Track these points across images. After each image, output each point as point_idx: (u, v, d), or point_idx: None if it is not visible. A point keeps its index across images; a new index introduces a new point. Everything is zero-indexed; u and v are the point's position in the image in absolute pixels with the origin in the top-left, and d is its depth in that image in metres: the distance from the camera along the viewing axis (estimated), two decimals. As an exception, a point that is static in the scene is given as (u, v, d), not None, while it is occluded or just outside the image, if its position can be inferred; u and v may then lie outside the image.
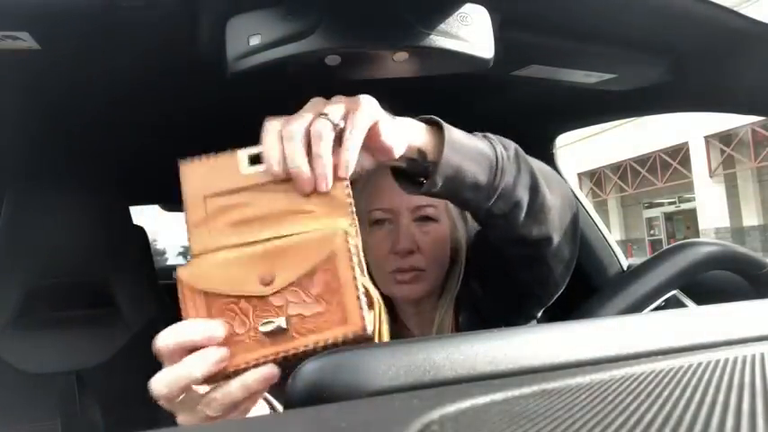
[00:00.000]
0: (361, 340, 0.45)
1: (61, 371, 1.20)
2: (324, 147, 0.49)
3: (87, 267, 1.26)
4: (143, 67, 0.82)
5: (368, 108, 0.53)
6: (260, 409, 0.52)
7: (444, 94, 1.11)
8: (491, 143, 0.64)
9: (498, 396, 0.30)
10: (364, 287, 0.47)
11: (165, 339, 0.46)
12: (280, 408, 0.58)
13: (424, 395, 0.31)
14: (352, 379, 0.34)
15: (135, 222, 1.40)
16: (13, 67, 0.78)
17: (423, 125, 0.61)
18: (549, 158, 1.46)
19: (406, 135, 0.57)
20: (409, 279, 0.85)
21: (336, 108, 0.52)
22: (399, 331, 0.93)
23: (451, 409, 0.28)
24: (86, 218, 1.24)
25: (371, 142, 0.54)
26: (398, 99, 0.90)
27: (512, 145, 0.66)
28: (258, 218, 0.49)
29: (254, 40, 0.62)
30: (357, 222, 0.49)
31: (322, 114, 0.51)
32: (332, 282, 0.46)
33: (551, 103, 1.19)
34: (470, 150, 0.61)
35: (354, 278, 0.46)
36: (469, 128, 0.70)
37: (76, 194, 1.24)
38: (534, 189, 0.66)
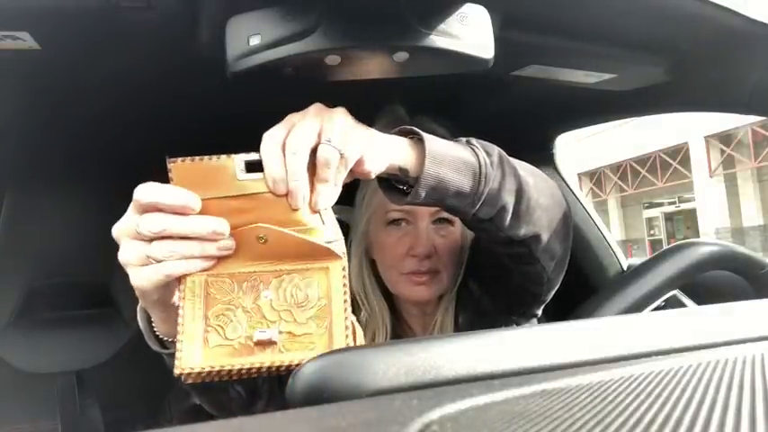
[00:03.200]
0: None
1: (61, 371, 1.20)
2: (331, 174, 0.52)
3: (87, 267, 1.26)
4: (143, 66, 0.82)
5: (358, 141, 0.54)
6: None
7: (444, 94, 1.10)
8: (474, 150, 0.64)
9: (498, 396, 0.30)
10: (348, 318, 0.52)
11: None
12: None
13: (424, 395, 0.31)
14: (352, 379, 0.34)
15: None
16: (14, 67, 0.78)
17: (405, 141, 0.62)
18: (549, 158, 1.46)
19: (387, 155, 0.59)
20: (425, 281, 0.85)
21: (337, 134, 0.53)
22: (401, 330, 0.93)
23: (451, 409, 0.28)
24: (86, 218, 1.24)
25: (355, 167, 0.55)
26: (398, 99, 0.90)
27: (495, 150, 0.67)
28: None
29: (254, 40, 0.62)
30: (345, 247, 0.53)
31: (326, 141, 0.52)
32: (324, 310, 0.50)
33: (551, 103, 1.19)
34: (452, 160, 0.62)
35: (345, 310, 0.50)
36: (469, 128, 0.70)
37: (76, 195, 1.24)
38: (519, 192, 0.67)
